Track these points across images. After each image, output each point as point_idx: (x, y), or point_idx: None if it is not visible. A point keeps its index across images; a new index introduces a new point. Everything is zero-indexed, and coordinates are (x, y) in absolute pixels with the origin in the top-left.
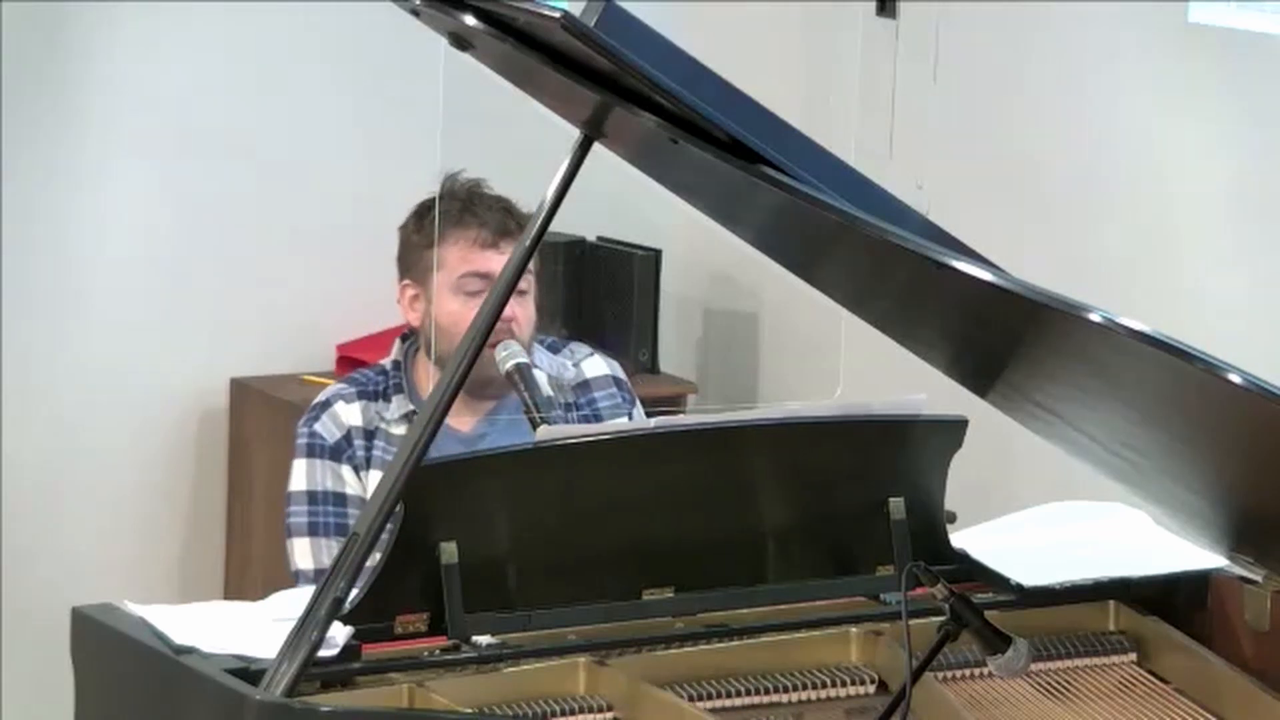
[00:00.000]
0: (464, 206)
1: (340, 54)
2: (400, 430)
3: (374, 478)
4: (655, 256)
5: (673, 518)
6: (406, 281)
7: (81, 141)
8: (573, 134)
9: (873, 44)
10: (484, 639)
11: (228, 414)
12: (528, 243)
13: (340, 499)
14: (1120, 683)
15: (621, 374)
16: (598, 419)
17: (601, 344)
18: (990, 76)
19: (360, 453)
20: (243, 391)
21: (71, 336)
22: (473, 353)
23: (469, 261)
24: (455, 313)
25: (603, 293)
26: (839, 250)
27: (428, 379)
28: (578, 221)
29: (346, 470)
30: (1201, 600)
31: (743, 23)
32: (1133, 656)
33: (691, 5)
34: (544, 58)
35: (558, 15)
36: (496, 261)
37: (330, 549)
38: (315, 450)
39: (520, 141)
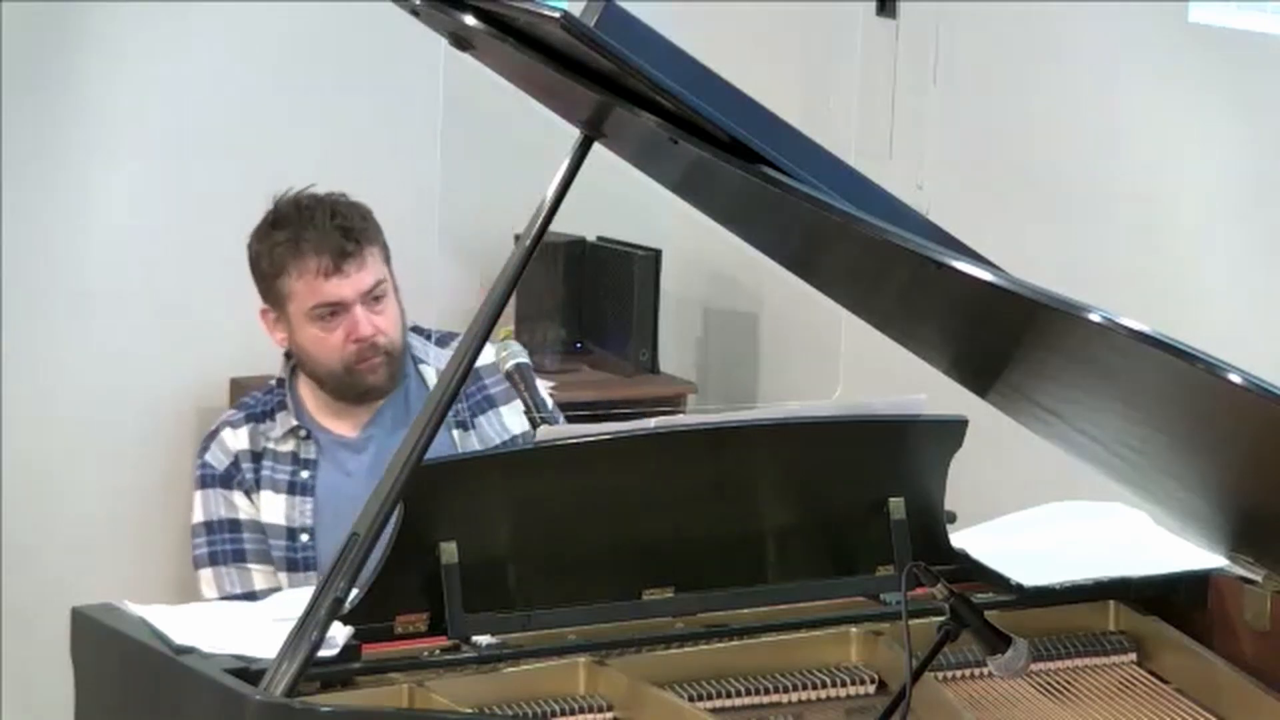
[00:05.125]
0: (295, 233)
1: (340, 54)
2: (287, 447)
3: (265, 498)
4: (655, 256)
5: (673, 518)
6: (265, 306)
7: (82, 141)
8: (573, 134)
9: (873, 44)
10: (484, 639)
11: None
12: (528, 243)
13: (235, 525)
14: (1120, 683)
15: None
16: (490, 403)
17: (602, 344)
18: (990, 76)
19: (249, 475)
20: (242, 391)
21: (71, 336)
22: (472, 354)
23: (316, 293)
24: (316, 338)
25: (603, 293)
26: (839, 250)
27: (312, 393)
28: (578, 221)
29: (238, 496)
30: (1201, 600)
31: (743, 23)
32: (1133, 656)
33: (691, 5)
34: (544, 58)
35: (558, 15)
36: (344, 287)
37: (231, 577)
38: (207, 481)
39: (520, 141)
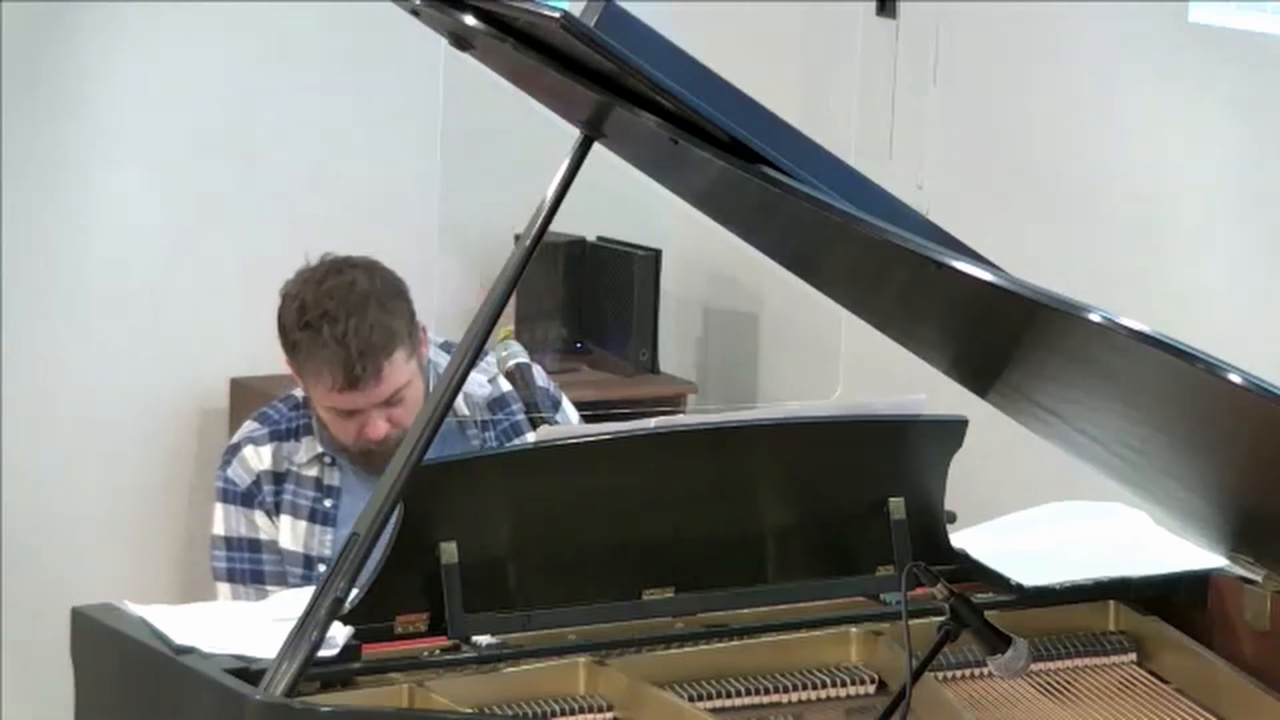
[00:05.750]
0: (311, 341)
1: (339, 54)
2: (311, 472)
3: (285, 521)
4: (655, 256)
5: (673, 518)
6: (289, 358)
7: (81, 141)
8: (573, 134)
9: (873, 44)
10: (484, 639)
11: (228, 414)
12: (528, 243)
13: (255, 545)
14: (1120, 683)
15: (541, 380)
16: (517, 432)
17: (602, 344)
18: (990, 76)
19: (270, 498)
20: (243, 391)
21: (71, 336)
22: (473, 353)
23: (330, 399)
24: (331, 419)
25: (603, 293)
26: (839, 250)
27: None
28: (578, 221)
29: (259, 516)
30: (1201, 600)
31: (743, 23)
32: (1133, 656)
33: (691, 5)
34: (544, 58)
35: (558, 15)
36: (359, 398)
37: (249, 595)
38: (229, 496)
39: (520, 141)
